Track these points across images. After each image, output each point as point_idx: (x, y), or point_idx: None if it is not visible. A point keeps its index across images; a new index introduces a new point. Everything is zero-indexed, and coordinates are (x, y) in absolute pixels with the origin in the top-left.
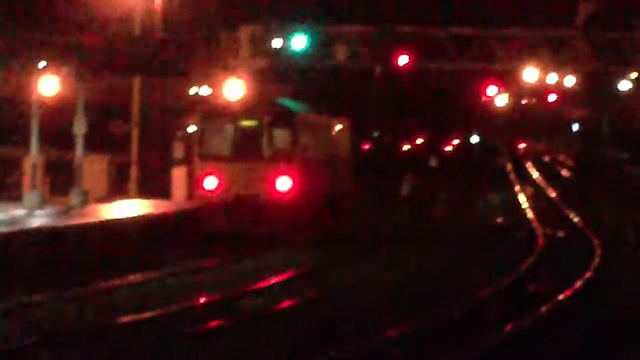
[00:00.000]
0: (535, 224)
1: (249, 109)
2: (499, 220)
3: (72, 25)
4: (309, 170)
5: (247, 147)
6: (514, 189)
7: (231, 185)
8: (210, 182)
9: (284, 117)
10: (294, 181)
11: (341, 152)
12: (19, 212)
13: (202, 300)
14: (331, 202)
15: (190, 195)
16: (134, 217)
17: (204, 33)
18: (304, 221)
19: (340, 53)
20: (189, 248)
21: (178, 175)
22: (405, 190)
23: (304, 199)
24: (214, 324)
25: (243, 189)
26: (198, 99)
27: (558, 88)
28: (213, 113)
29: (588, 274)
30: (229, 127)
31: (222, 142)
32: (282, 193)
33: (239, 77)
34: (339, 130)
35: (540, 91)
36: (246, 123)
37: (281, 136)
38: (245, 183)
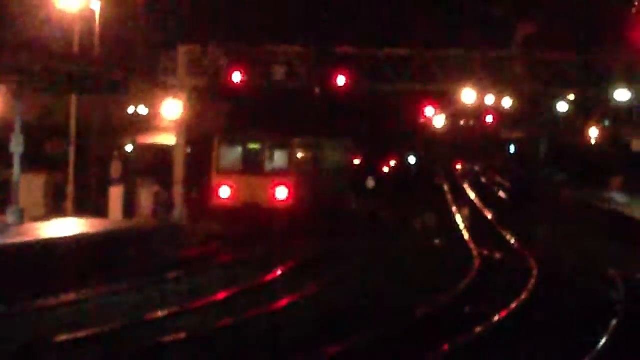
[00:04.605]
0: (471, 245)
1: (255, 134)
2: (436, 241)
3: (10, 43)
4: (302, 182)
5: (253, 164)
6: (451, 210)
7: (240, 194)
8: (225, 192)
9: (282, 141)
10: (289, 191)
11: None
12: None
13: None
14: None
15: (127, 214)
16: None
17: (143, 52)
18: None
19: (279, 72)
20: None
21: (115, 194)
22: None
23: (299, 205)
24: None
25: (250, 197)
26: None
27: (496, 109)
28: (227, 137)
29: (524, 296)
30: (240, 149)
31: (233, 160)
32: (281, 200)
33: (177, 96)
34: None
35: (478, 112)
36: (253, 145)
37: (280, 155)
38: (252, 192)
